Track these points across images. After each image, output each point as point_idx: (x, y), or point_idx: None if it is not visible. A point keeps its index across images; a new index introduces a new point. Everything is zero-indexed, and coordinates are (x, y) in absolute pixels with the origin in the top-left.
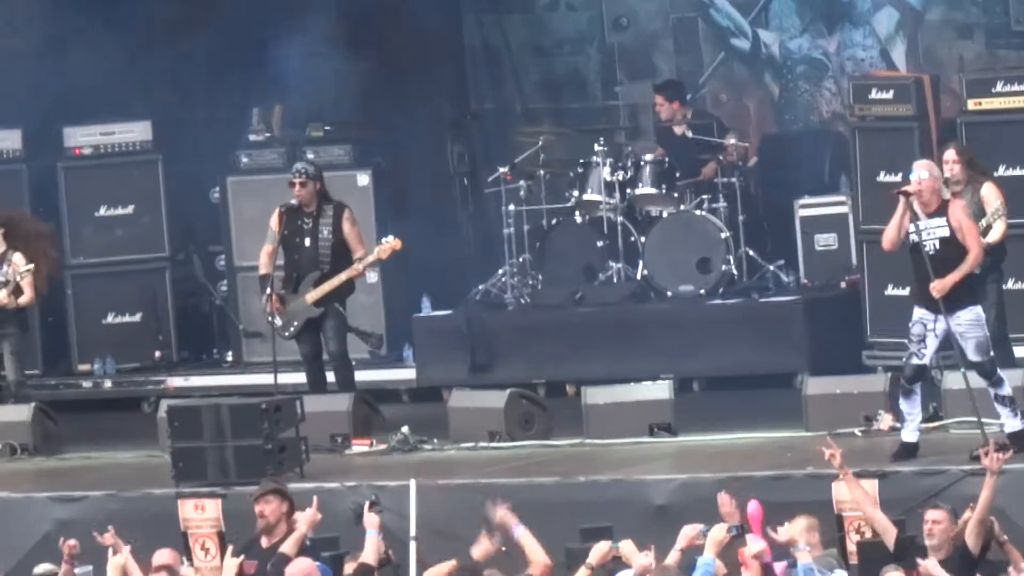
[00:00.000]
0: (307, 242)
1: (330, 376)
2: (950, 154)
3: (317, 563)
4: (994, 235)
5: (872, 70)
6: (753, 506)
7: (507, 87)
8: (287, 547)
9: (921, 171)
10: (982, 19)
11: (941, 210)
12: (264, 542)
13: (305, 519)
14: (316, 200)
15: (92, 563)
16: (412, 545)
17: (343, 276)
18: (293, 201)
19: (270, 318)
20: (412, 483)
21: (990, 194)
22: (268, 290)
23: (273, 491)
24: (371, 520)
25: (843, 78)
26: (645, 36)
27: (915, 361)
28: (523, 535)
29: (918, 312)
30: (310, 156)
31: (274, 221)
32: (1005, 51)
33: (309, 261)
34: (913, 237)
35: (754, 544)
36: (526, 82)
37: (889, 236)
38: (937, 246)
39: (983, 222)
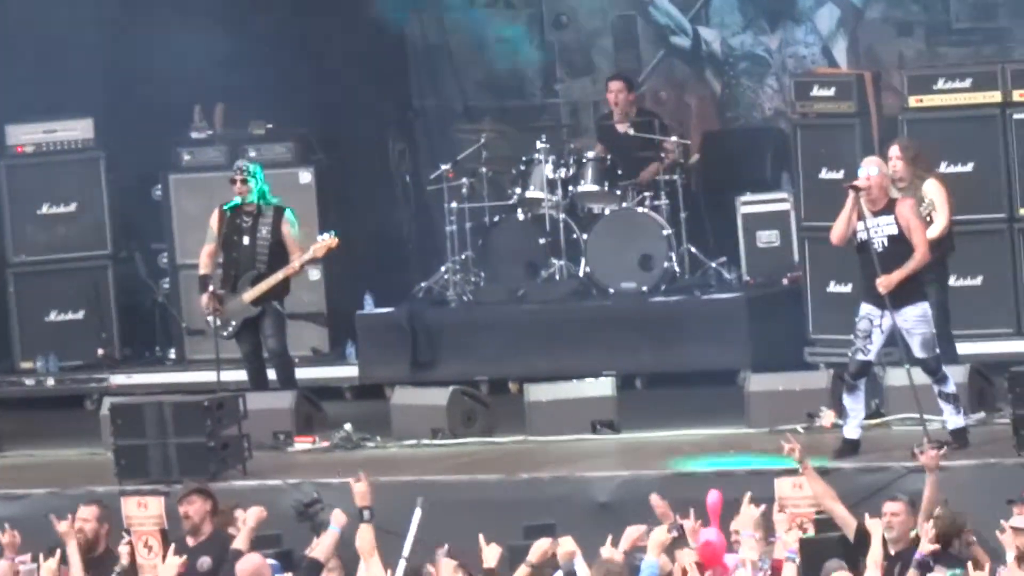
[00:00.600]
0: (245, 240)
1: (271, 374)
2: (894, 150)
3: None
4: (933, 232)
5: (814, 67)
6: (713, 496)
7: (448, 84)
8: (240, 543)
9: (871, 167)
10: (922, 17)
11: (889, 208)
12: (190, 541)
13: (253, 515)
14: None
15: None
16: (401, 564)
17: (280, 275)
18: (236, 199)
19: (209, 318)
20: (418, 506)
21: (930, 190)
22: (210, 289)
23: (196, 491)
24: (338, 517)
25: (785, 75)
26: (584, 34)
27: (860, 357)
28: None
29: (865, 308)
30: (252, 154)
31: (214, 220)
32: (945, 48)
33: (247, 260)
34: (861, 235)
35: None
36: (466, 80)
37: (838, 231)
38: (886, 243)
39: None
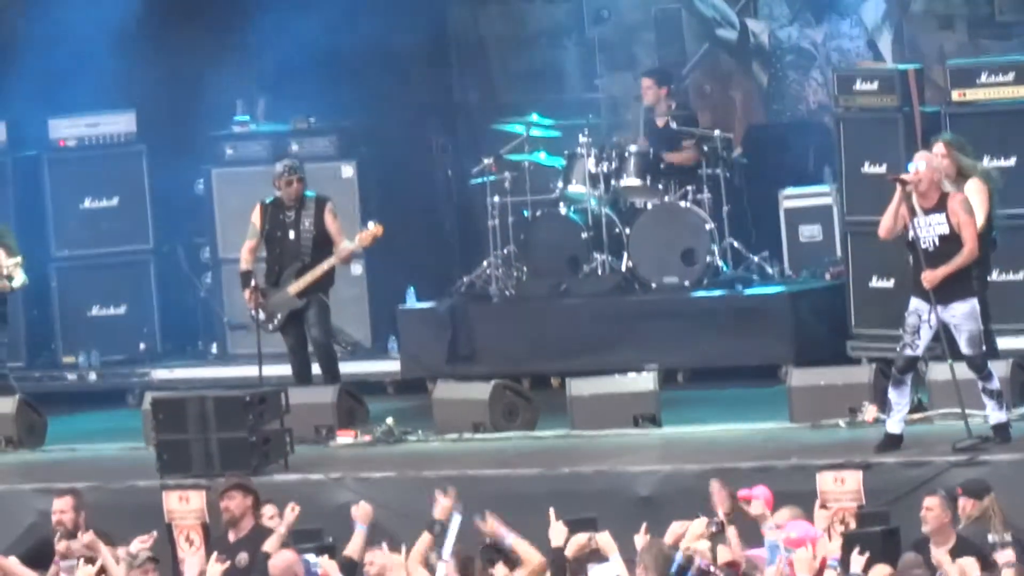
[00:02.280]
0: (290, 235)
1: (316, 368)
2: (938, 147)
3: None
4: None
5: (858, 60)
6: (764, 493)
7: (490, 78)
8: (270, 546)
9: (920, 162)
10: (964, 10)
11: (940, 205)
12: (231, 536)
13: (287, 521)
14: (299, 193)
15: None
16: (441, 567)
17: (325, 265)
18: (278, 193)
19: (253, 313)
20: (456, 517)
21: (971, 192)
22: (252, 284)
23: (236, 486)
24: (363, 514)
25: (829, 68)
26: (625, 28)
27: (908, 352)
28: (515, 542)
29: (914, 303)
30: (294, 147)
31: (256, 216)
32: (988, 42)
33: (291, 254)
34: (912, 233)
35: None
36: (507, 74)
37: (885, 225)
38: (936, 243)
39: None
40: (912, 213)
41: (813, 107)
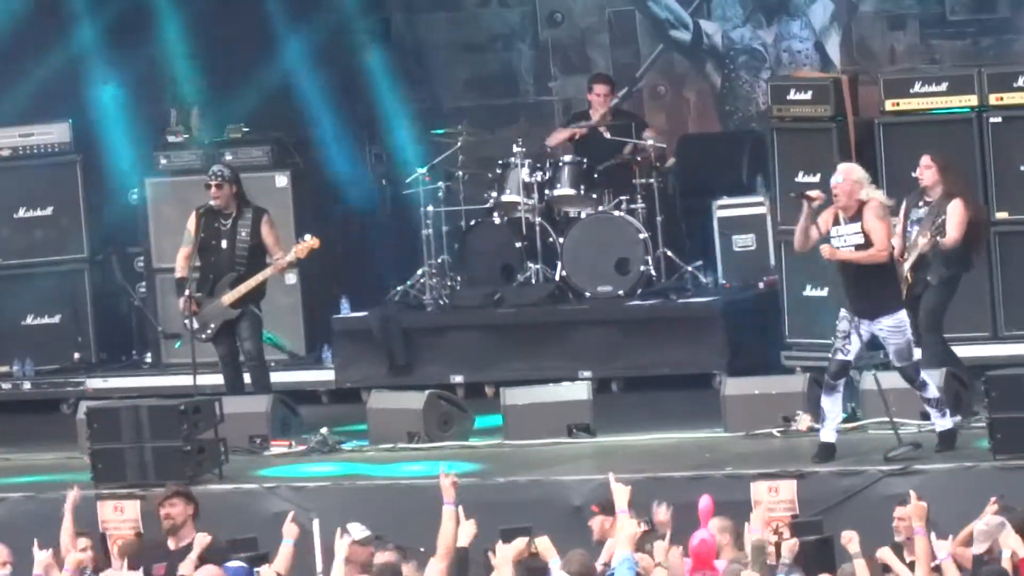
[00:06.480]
0: (224, 244)
1: (247, 378)
2: (925, 160)
3: (240, 566)
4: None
5: (808, 62)
6: (705, 501)
7: (435, 84)
8: (186, 570)
9: (836, 175)
10: (916, 9)
11: (858, 215)
12: (171, 544)
13: (199, 547)
14: (234, 202)
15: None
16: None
17: (259, 276)
18: (212, 203)
19: (187, 321)
20: (316, 522)
21: (952, 212)
22: (187, 292)
23: (177, 493)
24: (290, 529)
25: (780, 70)
26: (580, 30)
27: (839, 357)
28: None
29: (843, 311)
30: (228, 158)
31: (191, 223)
32: (939, 41)
33: (225, 263)
34: (834, 242)
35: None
36: (456, 79)
37: (797, 240)
38: (853, 252)
39: (928, 233)
40: (836, 222)
41: (763, 108)
